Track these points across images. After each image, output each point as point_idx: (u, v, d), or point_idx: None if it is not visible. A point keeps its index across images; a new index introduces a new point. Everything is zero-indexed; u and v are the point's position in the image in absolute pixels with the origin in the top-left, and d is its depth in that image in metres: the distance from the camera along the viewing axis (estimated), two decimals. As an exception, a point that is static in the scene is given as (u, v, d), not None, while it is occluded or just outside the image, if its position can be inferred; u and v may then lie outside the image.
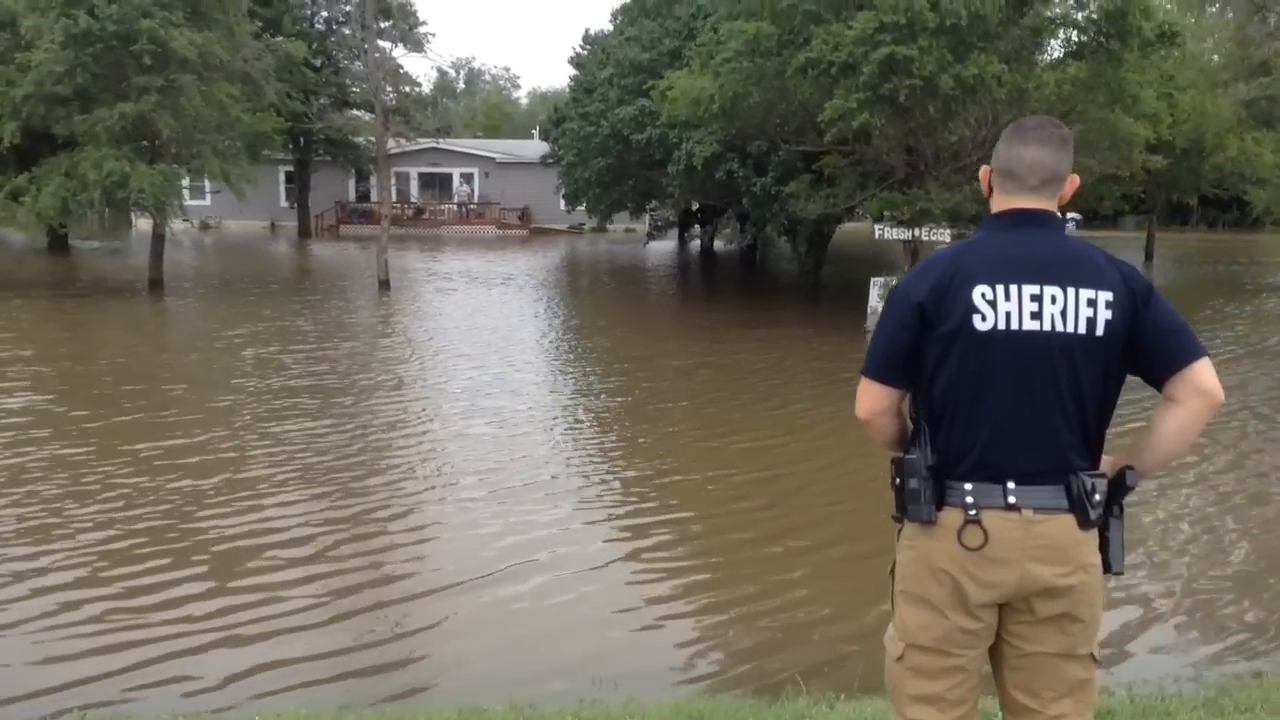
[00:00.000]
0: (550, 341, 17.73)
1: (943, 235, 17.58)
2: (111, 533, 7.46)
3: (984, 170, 2.64)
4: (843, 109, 15.96)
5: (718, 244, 34.23)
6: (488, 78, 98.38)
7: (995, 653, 2.59)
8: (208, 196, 39.26)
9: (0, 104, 21.29)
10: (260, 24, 36.49)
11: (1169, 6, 26.54)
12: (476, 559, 7.07)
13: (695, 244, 37.08)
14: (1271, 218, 40.14)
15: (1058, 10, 16.05)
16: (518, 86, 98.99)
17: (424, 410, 11.85)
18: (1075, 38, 17.93)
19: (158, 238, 23.70)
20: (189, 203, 41.70)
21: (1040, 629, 2.50)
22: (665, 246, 39.69)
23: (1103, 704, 4.32)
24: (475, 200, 50.16)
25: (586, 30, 34.40)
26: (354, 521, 7.85)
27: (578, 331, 19.20)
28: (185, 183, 34.55)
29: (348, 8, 41.88)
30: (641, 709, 4.31)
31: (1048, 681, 2.53)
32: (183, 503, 8.14)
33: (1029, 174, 2.53)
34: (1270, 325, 21.08)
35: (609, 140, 26.07)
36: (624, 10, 31.41)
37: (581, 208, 32.41)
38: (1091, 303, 2.42)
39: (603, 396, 12.90)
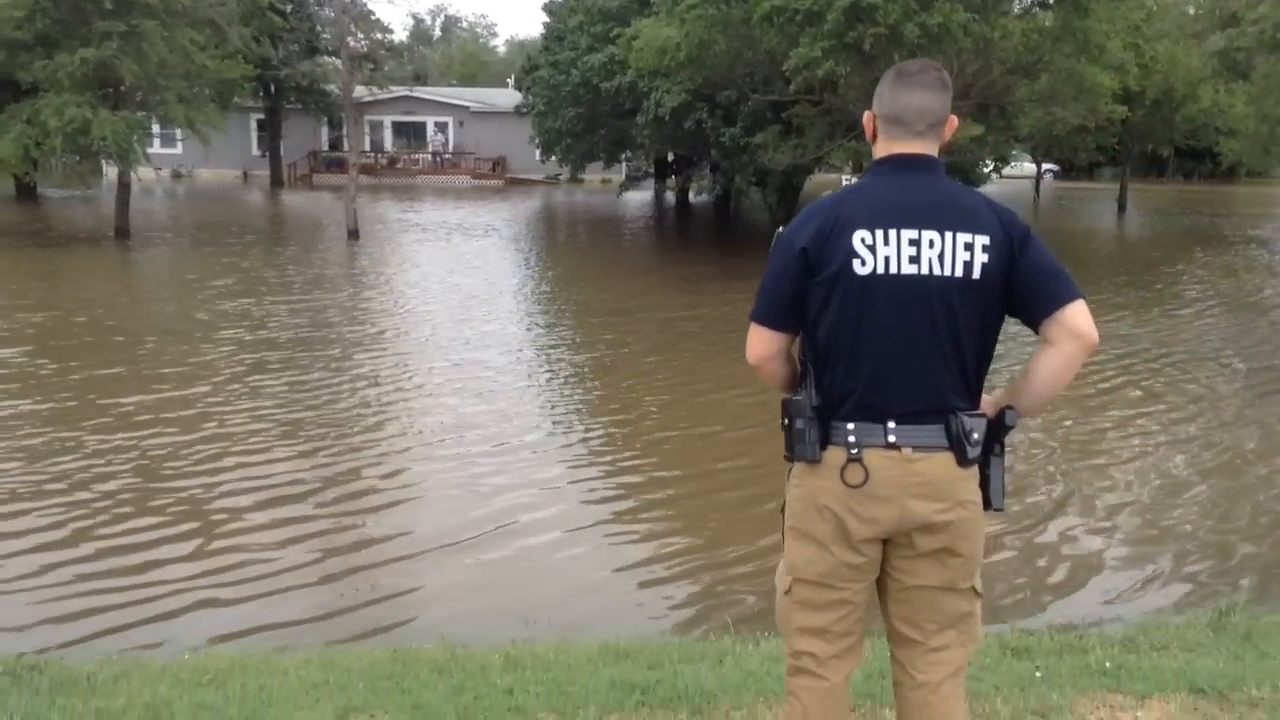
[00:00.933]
0: (526, 294, 17.67)
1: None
2: (88, 494, 7.43)
3: (867, 116, 2.66)
4: (807, 57, 15.90)
5: (693, 195, 34.07)
6: (464, 25, 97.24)
7: (881, 586, 2.65)
8: (179, 145, 38.78)
9: (-41, 50, 20.93)
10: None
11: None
12: (461, 518, 7.10)
13: (670, 195, 36.89)
14: (1245, 169, 40.35)
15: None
16: (495, 35, 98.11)
17: (396, 366, 11.84)
18: (1041, -14, 17.88)
19: (123, 186, 23.51)
20: (160, 151, 41.62)
21: (921, 563, 2.56)
22: (641, 197, 39.50)
23: (1022, 641, 4.45)
24: (450, 150, 49.73)
25: (561, -24, 33.85)
26: (333, 481, 7.83)
27: (555, 284, 19.13)
28: (155, 130, 34.39)
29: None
30: (569, 648, 4.41)
31: (929, 614, 2.60)
32: (155, 461, 8.17)
33: (915, 119, 2.55)
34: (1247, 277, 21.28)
35: (579, 89, 25.83)
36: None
37: (554, 159, 32.15)
38: (969, 246, 2.46)
39: (583, 351, 12.91)
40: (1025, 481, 8.13)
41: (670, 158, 33.46)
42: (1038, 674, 3.91)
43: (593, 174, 36.22)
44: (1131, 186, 39.86)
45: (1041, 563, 6.55)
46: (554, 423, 9.59)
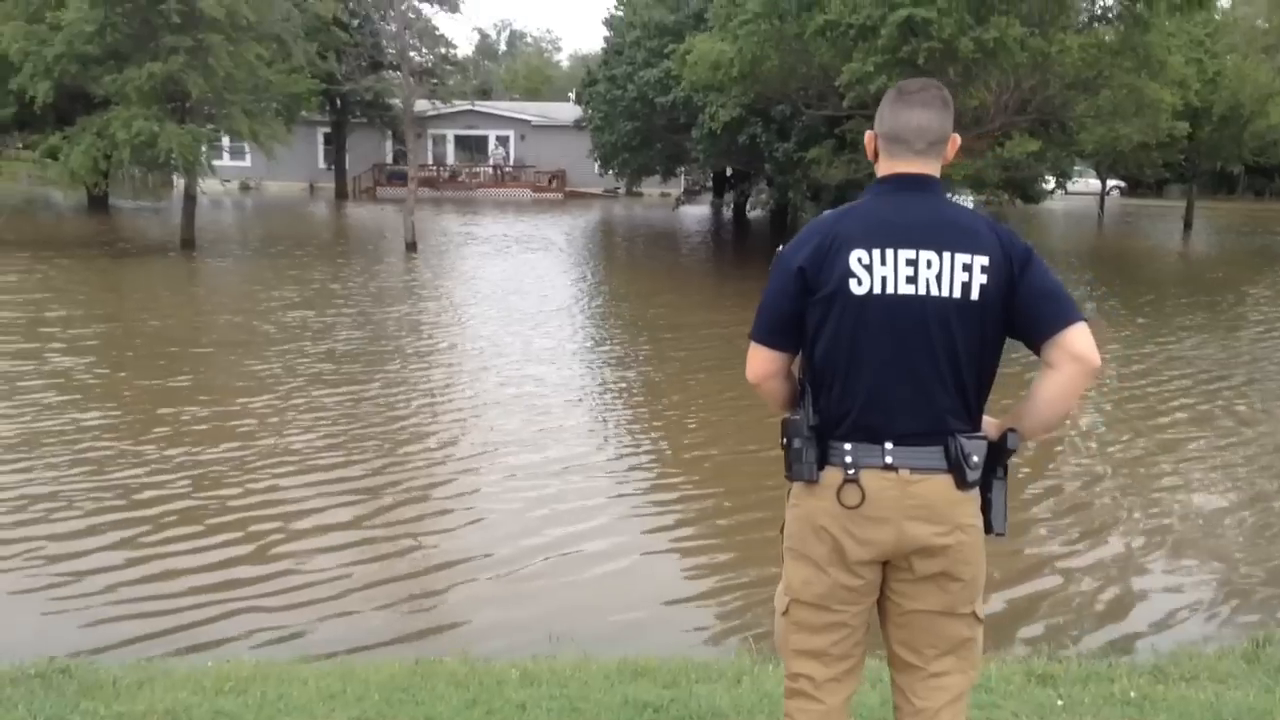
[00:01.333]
0: (580, 309, 17.68)
1: (965, 200, 17.43)
2: (141, 500, 7.56)
3: (868, 135, 2.66)
4: (860, 72, 15.82)
5: (750, 209, 34.04)
6: (529, 39, 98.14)
7: (881, 610, 2.63)
8: (248, 158, 39.56)
9: (34, 63, 21.53)
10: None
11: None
12: (499, 532, 7.15)
13: (727, 209, 36.86)
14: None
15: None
16: (559, 49, 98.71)
17: (447, 380, 11.94)
18: (1100, 1, 17.62)
19: (189, 198, 24.03)
20: (230, 164, 42.59)
21: (920, 587, 2.54)
22: (698, 211, 39.54)
23: (1048, 668, 4.37)
24: (510, 163, 50.15)
25: (621, -10, 34.06)
26: (378, 493, 7.87)
27: (609, 299, 19.12)
28: (225, 143, 35.16)
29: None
30: (588, 664, 4.42)
31: (929, 639, 2.57)
32: (211, 471, 8.32)
33: (916, 138, 2.55)
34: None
35: (635, 103, 25.96)
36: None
37: (612, 172, 32.32)
38: (967, 267, 2.44)
39: (635, 367, 12.92)
40: (1066, 503, 8.00)
41: (728, 172, 33.45)
42: (1059, 702, 3.85)
43: (650, 187, 36.36)
44: (1199, 204, 39.08)
45: (1078, 588, 6.44)
46: (599, 439, 9.61)
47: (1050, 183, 31.84)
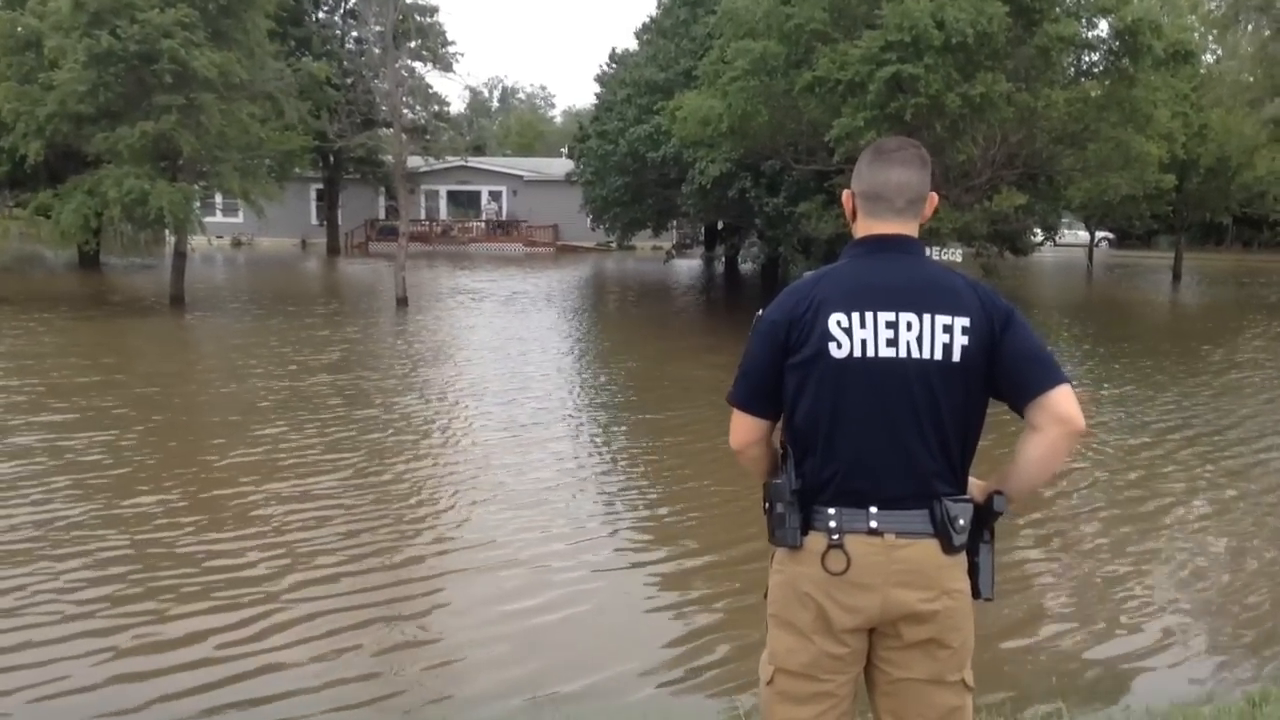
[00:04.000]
0: (570, 362, 17.61)
1: (954, 255, 17.56)
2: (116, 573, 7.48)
3: (846, 194, 2.65)
4: (849, 127, 15.94)
5: (742, 262, 34.25)
6: (522, 96, 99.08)
7: (868, 679, 2.58)
8: (240, 214, 39.71)
9: (26, 123, 21.68)
10: (292, 43, 37.17)
11: (1193, 23, 26.34)
12: (490, 594, 7.02)
13: (719, 262, 37.06)
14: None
15: (1067, 30, 15.94)
16: (552, 105, 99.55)
17: (426, 436, 11.82)
18: (1086, 57, 17.86)
19: (179, 255, 24.04)
20: (223, 220, 42.78)
21: (908, 654, 2.48)
22: (690, 264, 39.70)
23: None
24: (503, 217, 50.44)
25: (613, 49, 34.56)
26: (359, 557, 7.70)
27: (599, 351, 19.12)
28: (218, 199, 35.36)
29: (378, 28, 42.36)
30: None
31: (918, 708, 2.51)
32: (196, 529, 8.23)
33: (895, 195, 2.54)
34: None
35: (626, 159, 26.18)
36: (644, 30, 31.57)
37: (603, 227, 32.55)
38: (948, 329, 2.42)
39: (624, 422, 12.81)
40: (1051, 560, 7.93)
41: (719, 225, 33.67)
42: (1053, 766, 3.76)
43: (642, 241, 36.54)
44: (1188, 255, 39.27)
45: (1068, 646, 6.34)
46: (581, 496, 9.49)
47: (1039, 235, 32.04)
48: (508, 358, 17.03)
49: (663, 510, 9.01)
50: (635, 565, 7.59)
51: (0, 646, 5.89)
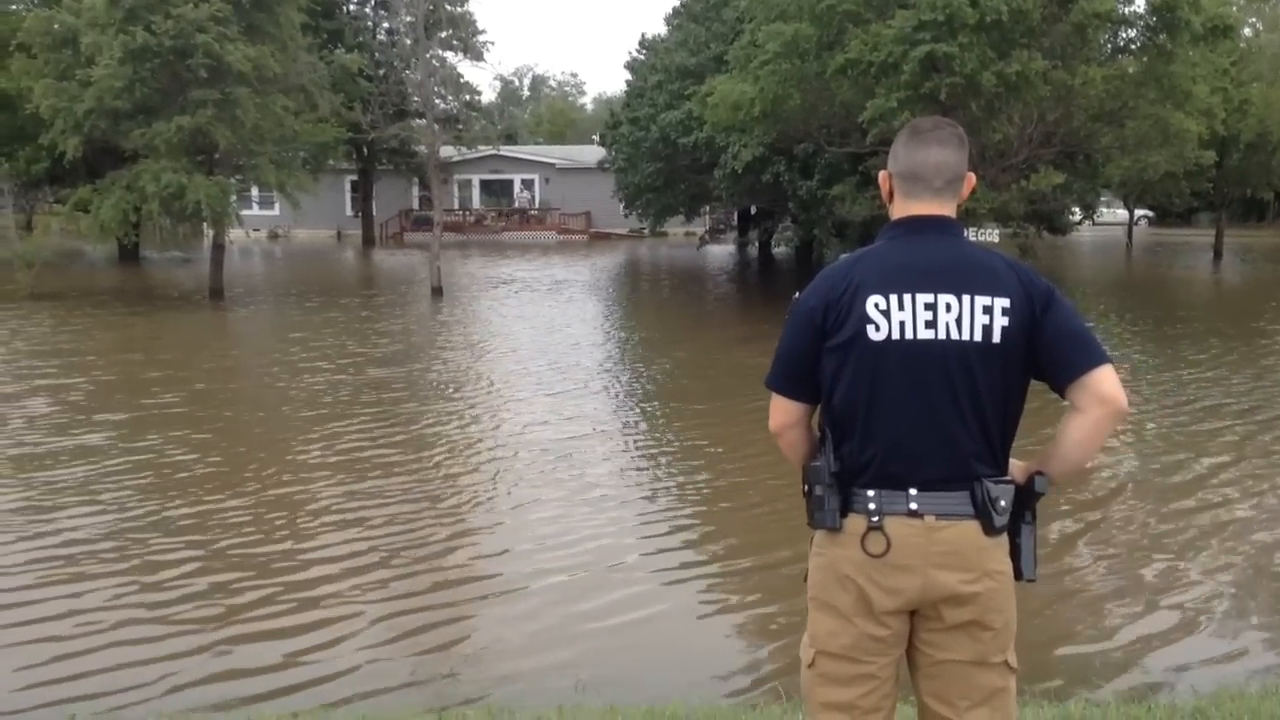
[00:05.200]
0: (615, 353, 17.46)
1: (991, 235, 17.41)
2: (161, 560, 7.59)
3: (883, 175, 2.63)
4: (883, 109, 15.83)
5: (775, 246, 34.11)
6: (553, 83, 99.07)
7: (910, 661, 2.57)
8: (276, 206, 40.08)
9: (64, 119, 21.94)
10: (325, 36, 37.37)
11: (1233, -1, 25.89)
12: (533, 578, 7.06)
13: (752, 247, 36.91)
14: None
15: (1103, 6, 15.72)
16: (583, 92, 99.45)
17: (467, 426, 11.84)
18: (1123, 33, 17.62)
19: (217, 248, 24.33)
20: (259, 213, 43.21)
21: (950, 636, 2.47)
22: (723, 250, 39.57)
23: (1086, 712, 4.26)
24: (535, 206, 50.54)
25: (643, 35, 34.48)
26: (403, 541, 7.78)
27: (631, 340, 18.94)
28: (254, 192, 35.72)
29: (409, 19, 42.49)
30: (615, 713, 4.35)
31: (961, 690, 2.50)
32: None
33: (934, 175, 2.52)
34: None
35: (658, 145, 26.17)
36: (675, 15, 31.49)
37: (635, 213, 32.56)
38: (988, 309, 2.40)
39: (660, 408, 12.79)
40: (1094, 539, 7.85)
41: (752, 210, 33.57)
42: (1098, 749, 3.73)
43: (675, 227, 36.53)
44: (1229, 232, 38.71)
45: (1110, 626, 6.29)
46: (623, 484, 9.50)
47: (1077, 214, 31.70)
48: (548, 348, 16.96)
49: (720, 506, 8.91)
50: (685, 565, 7.48)
51: (70, 651, 5.95)
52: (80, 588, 6.79)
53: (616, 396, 13.61)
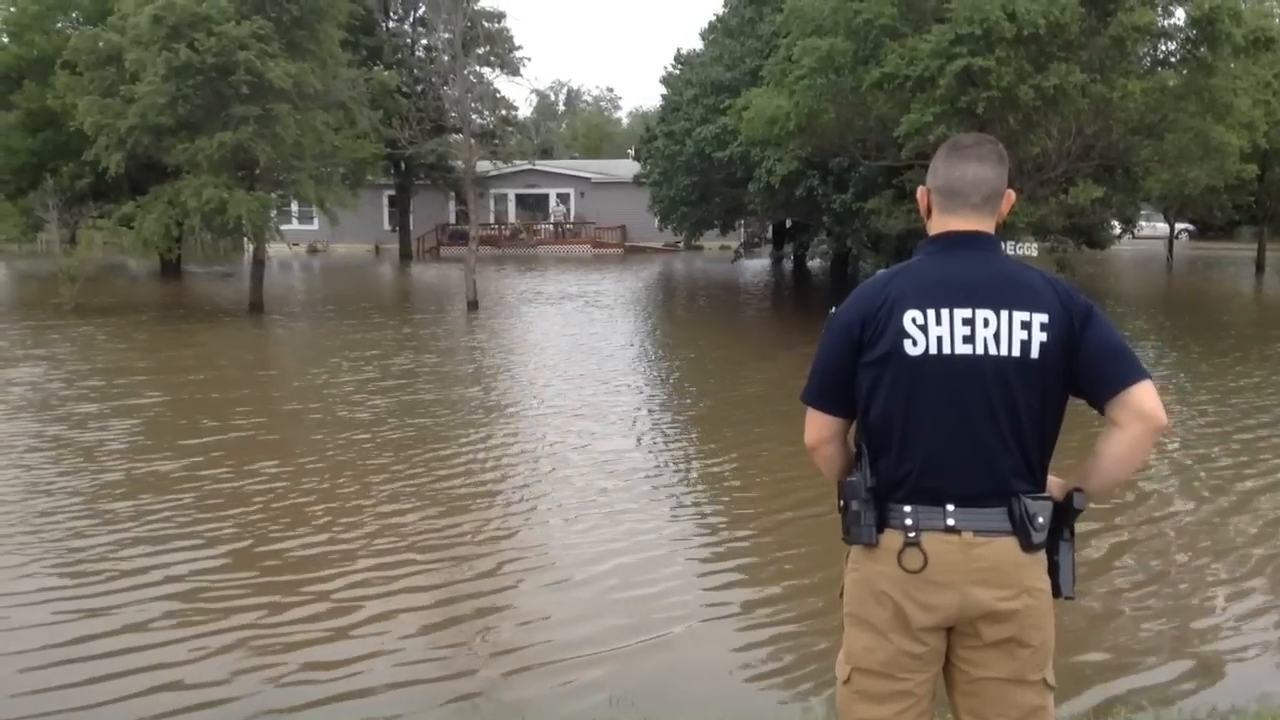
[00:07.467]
0: (638, 368, 17.28)
1: (1029, 249, 17.29)
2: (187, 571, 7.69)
3: (921, 190, 2.63)
4: (919, 123, 15.79)
5: (812, 261, 34.05)
6: (588, 98, 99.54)
7: (947, 678, 2.57)
8: (315, 221, 40.56)
9: (108, 135, 22.33)
10: (364, 53, 37.80)
11: (1273, 8, 25.58)
12: (569, 590, 7.10)
13: (788, 260, 36.84)
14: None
15: (1142, 19, 15.61)
16: (618, 106, 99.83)
17: (505, 439, 11.85)
18: (1163, 46, 17.48)
19: (258, 262, 24.63)
20: (298, 227, 43.72)
21: (988, 653, 2.47)
22: (758, 264, 39.52)
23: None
24: (571, 220, 50.76)
25: (678, 50, 34.57)
26: (442, 551, 7.84)
27: (670, 355, 18.82)
28: (294, 207, 36.13)
29: (447, 36, 42.91)
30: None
31: (999, 707, 2.50)
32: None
33: (972, 191, 2.53)
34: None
35: (693, 159, 26.23)
36: (710, 30, 31.58)
37: (670, 227, 32.62)
38: (1026, 325, 2.40)
39: (699, 425, 12.74)
40: (1134, 554, 7.76)
41: (787, 223, 33.54)
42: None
43: (710, 240, 36.54)
44: (1271, 246, 38.18)
45: (1150, 642, 6.21)
46: (662, 496, 9.47)
47: (1117, 228, 31.42)
48: (586, 364, 16.92)
49: (761, 525, 8.86)
50: (723, 581, 7.42)
51: (109, 649, 6.03)
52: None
53: (654, 411, 13.57)
